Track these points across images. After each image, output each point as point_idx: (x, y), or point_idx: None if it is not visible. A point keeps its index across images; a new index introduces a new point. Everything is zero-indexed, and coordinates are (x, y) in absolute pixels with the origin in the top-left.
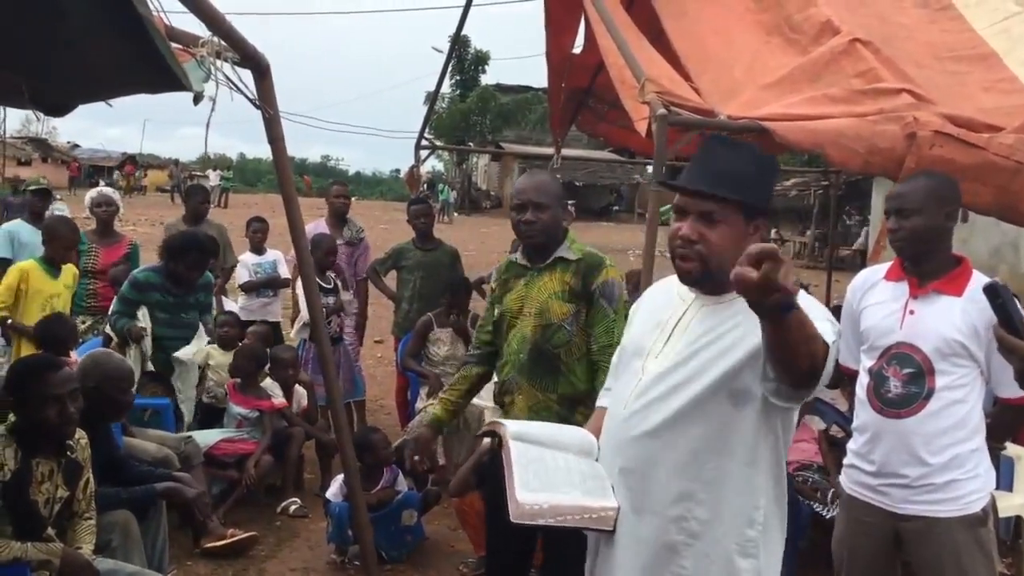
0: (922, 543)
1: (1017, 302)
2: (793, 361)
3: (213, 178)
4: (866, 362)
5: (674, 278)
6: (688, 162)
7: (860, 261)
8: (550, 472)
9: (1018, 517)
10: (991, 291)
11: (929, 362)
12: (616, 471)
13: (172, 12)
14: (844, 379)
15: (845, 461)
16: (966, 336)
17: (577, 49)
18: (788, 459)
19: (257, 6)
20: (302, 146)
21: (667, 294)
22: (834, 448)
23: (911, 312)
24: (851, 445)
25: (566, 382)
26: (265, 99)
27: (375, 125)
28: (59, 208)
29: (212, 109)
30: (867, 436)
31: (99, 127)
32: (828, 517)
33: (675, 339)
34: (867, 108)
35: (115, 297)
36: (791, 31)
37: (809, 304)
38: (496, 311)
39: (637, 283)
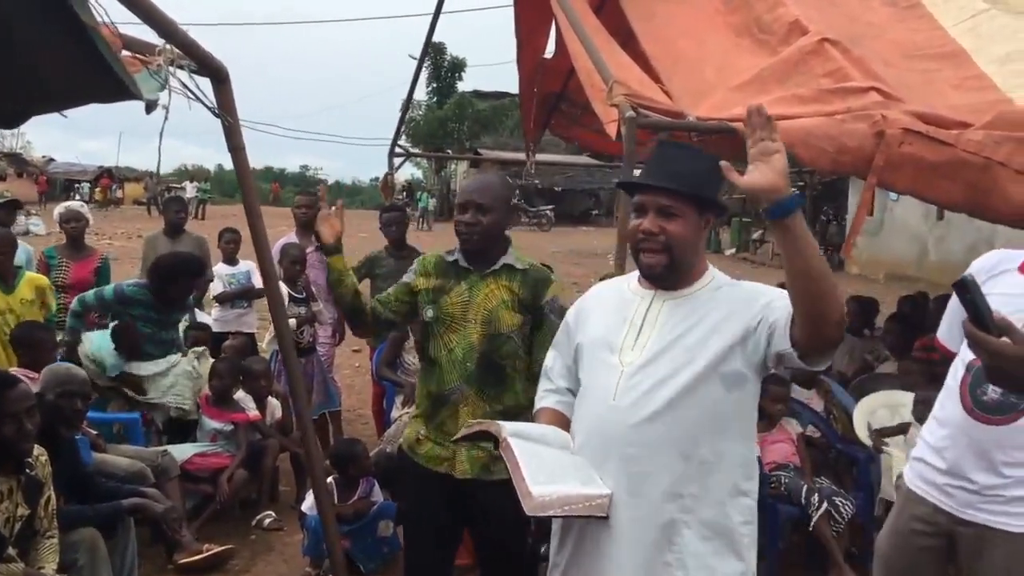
0: (977, 552)
1: (987, 297)
2: (817, 301)
3: (190, 190)
4: (967, 354)
5: (617, 280)
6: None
7: (838, 261)
8: (549, 466)
9: None
10: (960, 286)
11: None
12: (613, 459)
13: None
14: (819, 379)
15: (914, 453)
16: None
17: (549, 54)
18: (765, 459)
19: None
20: (281, 156)
21: (619, 292)
22: (811, 449)
23: None
24: (926, 435)
25: (512, 394)
26: (224, 107)
27: (353, 133)
28: (34, 223)
29: (165, 118)
30: (946, 432)
31: (76, 140)
32: (816, 517)
33: (647, 332)
34: (836, 107)
35: (88, 294)
36: (760, 32)
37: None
38: (429, 313)
39: None
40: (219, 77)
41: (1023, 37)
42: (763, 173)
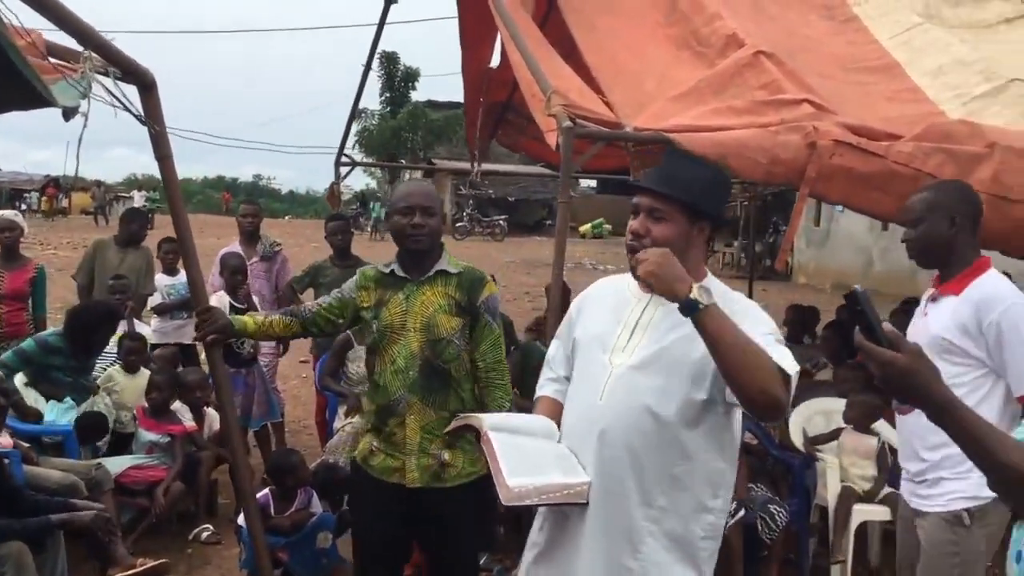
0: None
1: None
2: (739, 384)
3: (138, 199)
4: None
5: (620, 277)
6: (596, 173)
7: (787, 272)
8: (529, 456)
9: None
10: (852, 298)
11: None
12: (590, 460)
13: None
14: None
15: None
16: (955, 334)
17: (495, 63)
18: None
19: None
20: (235, 166)
21: (618, 292)
22: (748, 456)
23: (925, 315)
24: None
25: (456, 398)
26: (151, 115)
27: (309, 142)
28: None
29: (84, 125)
30: (902, 436)
31: (25, 150)
32: (728, 525)
33: (638, 336)
34: (769, 119)
35: (8, 355)
36: (699, 44)
37: (764, 333)
38: (374, 327)
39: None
40: (145, 84)
41: (955, 51)
42: (655, 286)
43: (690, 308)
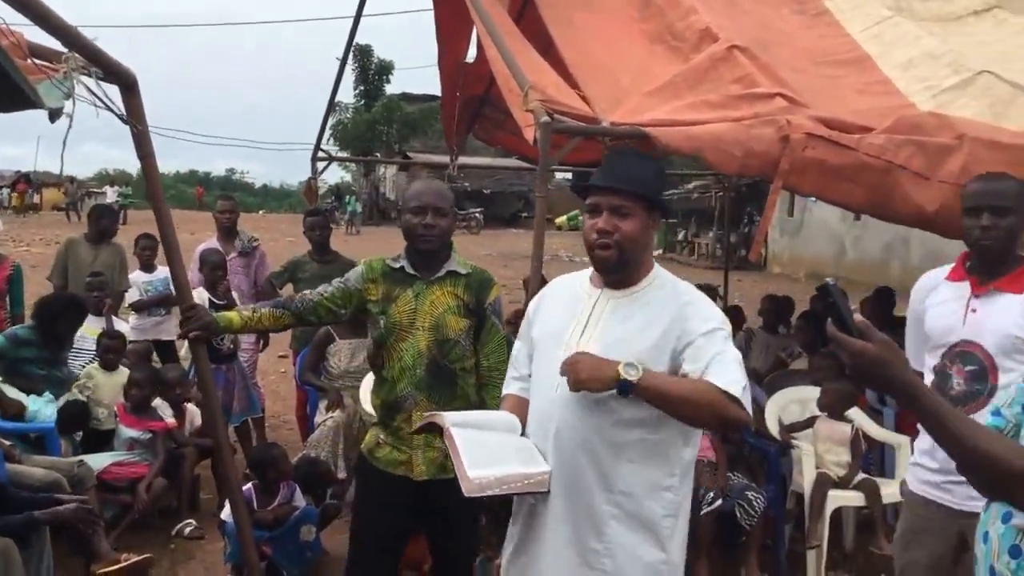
0: None
1: (848, 301)
2: (689, 423)
3: (110, 194)
4: (930, 361)
5: (574, 275)
6: (573, 167)
7: (762, 262)
8: (490, 449)
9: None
10: (823, 291)
11: (991, 359)
12: (552, 450)
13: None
14: None
15: (911, 459)
16: None
17: (471, 58)
18: None
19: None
20: (206, 160)
21: (571, 290)
22: (726, 444)
23: (973, 311)
24: (917, 444)
25: (463, 395)
26: (133, 114)
27: (281, 135)
28: None
29: (69, 126)
30: None
31: None
32: (703, 511)
33: (591, 330)
34: (743, 112)
35: None
36: (673, 39)
37: (709, 329)
38: (381, 323)
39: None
40: (127, 84)
41: (924, 43)
42: (591, 388)
43: (625, 390)
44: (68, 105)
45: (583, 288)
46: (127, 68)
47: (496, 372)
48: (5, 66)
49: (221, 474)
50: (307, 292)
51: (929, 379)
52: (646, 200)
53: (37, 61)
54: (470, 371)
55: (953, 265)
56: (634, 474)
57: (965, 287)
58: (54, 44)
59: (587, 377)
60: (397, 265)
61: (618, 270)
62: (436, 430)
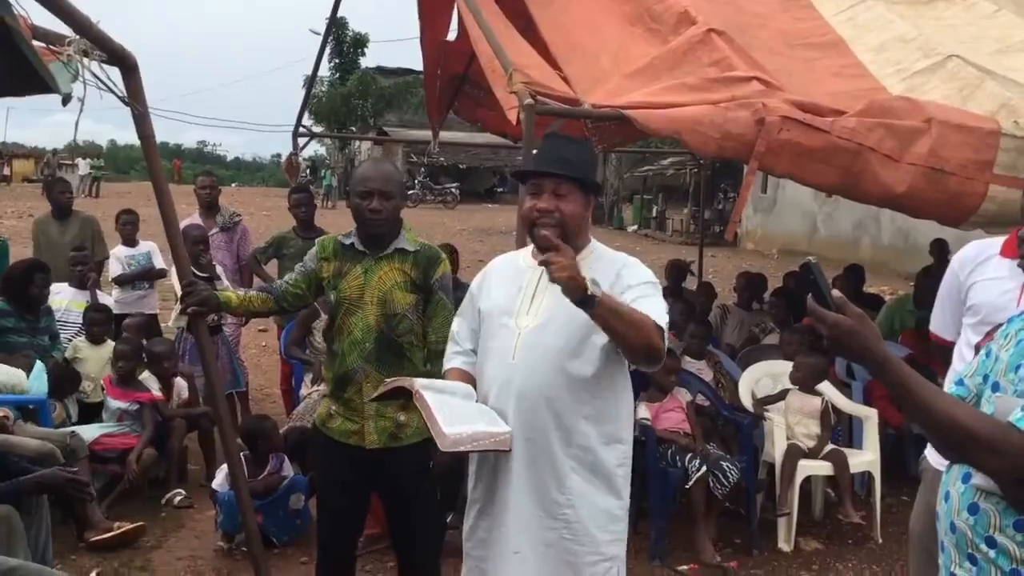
0: None
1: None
2: (626, 346)
3: (83, 166)
4: (972, 337)
5: (513, 253)
6: None
7: (736, 239)
8: (457, 411)
9: (869, 473)
10: (805, 269)
11: None
12: (511, 413)
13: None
14: (708, 350)
15: None
16: None
17: (452, 36)
18: (659, 427)
19: None
20: (177, 132)
21: (514, 265)
22: (701, 417)
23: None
24: None
25: (410, 367)
26: (134, 96)
27: (254, 110)
28: None
29: (80, 109)
30: None
31: None
32: (693, 480)
33: (539, 299)
34: (720, 95)
35: None
36: (652, 21)
37: (641, 282)
38: (332, 297)
39: None
40: (127, 67)
41: (896, 27)
42: (566, 286)
43: (588, 303)
44: (78, 88)
45: (526, 263)
46: (129, 52)
47: (444, 345)
48: (28, 55)
49: (220, 444)
50: (279, 281)
51: (967, 355)
52: (582, 183)
53: (43, 44)
54: (418, 345)
55: (1005, 239)
56: (591, 429)
57: (1014, 263)
58: (57, 27)
59: (566, 277)
60: (348, 242)
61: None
62: (400, 396)
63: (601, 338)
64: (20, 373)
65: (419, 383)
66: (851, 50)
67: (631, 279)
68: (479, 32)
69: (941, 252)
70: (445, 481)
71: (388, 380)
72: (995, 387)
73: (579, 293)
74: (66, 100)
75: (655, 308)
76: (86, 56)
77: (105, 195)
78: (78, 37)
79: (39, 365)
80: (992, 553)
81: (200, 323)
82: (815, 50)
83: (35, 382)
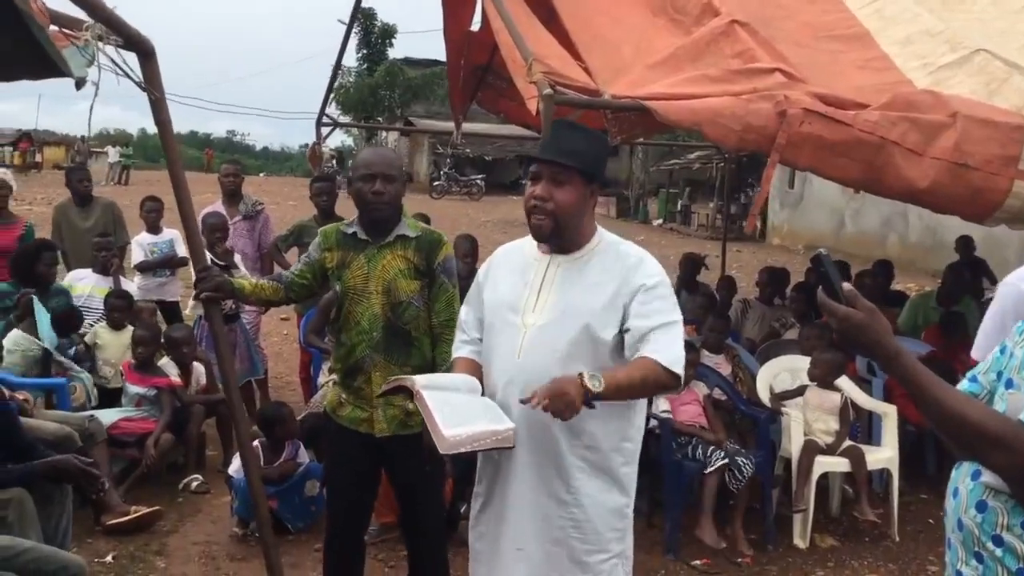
0: None
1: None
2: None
3: (112, 154)
4: None
5: (520, 242)
6: None
7: (761, 233)
8: (459, 409)
9: (888, 470)
10: (816, 261)
11: None
12: (517, 412)
13: None
14: (727, 344)
15: None
16: None
17: (476, 26)
18: (676, 419)
19: None
20: (206, 121)
21: (521, 255)
22: (718, 410)
23: None
24: None
25: (418, 354)
26: (151, 81)
27: (283, 98)
28: None
29: (95, 95)
30: None
31: None
32: (708, 473)
33: (544, 295)
34: (742, 87)
35: None
36: (675, 12)
37: (652, 279)
38: (337, 287)
39: None
40: (145, 52)
41: (923, 20)
42: (566, 417)
43: (598, 399)
44: (93, 73)
45: (532, 254)
46: (146, 37)
47: (445, 329)
48: (39, 38)
49: (233, 431)
50: (287, 271)
51: None
52: (582, 172)
53: (57, 28)
54: (425, 332)
55: None
56: (599, 429)
57: None
58: (73, 11)
59: (565, 409)
60: (350, 231)
61: (554, 238)
62: (401, 392)
63: (608, 337)
64: (29, 337)
65: (420, 382)
66: (877, 43)
67: (641, 279)
68: (501, 22)
69: (967, 248)
70: (462, 472)
71: (390, 379)
72: (1008, 384)
73: (583, 402)
74: (80, 84)
75: (671, 348)
76: (101, 40)
77: (134, 182)
78: (94, 22)
79: (44, 315)
80: (999, 552)
81: (214, 309)
82: (840, 42)
83: (44, 330)
